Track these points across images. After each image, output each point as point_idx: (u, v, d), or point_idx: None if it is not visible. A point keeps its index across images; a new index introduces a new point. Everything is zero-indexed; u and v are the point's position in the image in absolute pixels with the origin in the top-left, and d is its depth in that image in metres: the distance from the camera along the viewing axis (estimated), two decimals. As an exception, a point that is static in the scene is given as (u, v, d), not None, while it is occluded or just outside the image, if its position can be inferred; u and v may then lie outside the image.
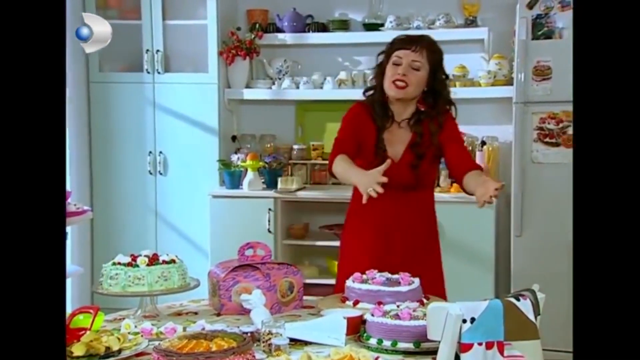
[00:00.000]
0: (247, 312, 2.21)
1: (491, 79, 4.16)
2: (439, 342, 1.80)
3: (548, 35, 3.85)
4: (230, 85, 4.55)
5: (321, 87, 4.45)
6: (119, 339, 1.96)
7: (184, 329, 2.10)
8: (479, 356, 1.79)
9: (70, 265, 3.68)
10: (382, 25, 4.38)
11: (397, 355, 1.93)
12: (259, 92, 4.53)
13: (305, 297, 2.48)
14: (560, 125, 3.85)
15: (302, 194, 4.28)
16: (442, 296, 2.55)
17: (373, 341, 1.99)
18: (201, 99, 4.48)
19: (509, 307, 1.86)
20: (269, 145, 4.57)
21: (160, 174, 4.55)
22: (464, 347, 1.78)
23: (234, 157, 4.42)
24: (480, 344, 1.79)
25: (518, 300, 1.89)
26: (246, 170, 4.30)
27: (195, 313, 2.40)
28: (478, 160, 3.98)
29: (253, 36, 4.45)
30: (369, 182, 2.33)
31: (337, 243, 4.18)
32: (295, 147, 4.53)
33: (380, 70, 2.63)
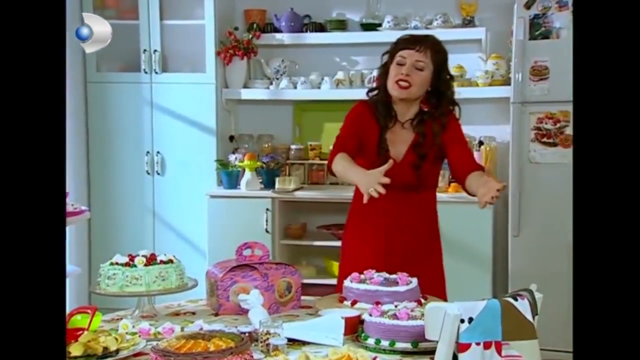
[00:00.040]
0: (245, 312, 2.21)
1: (489, 79, 4.17)
2: (437, 342, 1.80)
3: (545, 36, 3.85)
4: (228, 85, 4.55)
5: (319, 87, 4.46)
6: (116, 339, 1.96)
7: (182, 329, 2.10)
8: (476, 356, 1.79)
9: (67, 265, 3.67)
10: (380, 25, 4.38)
11: (395, 355, 1.94)
12: (256, 92, 4.53)
13: (302, 297, 2.47)
14: (558, 125, 3.86)
15: (300, 194, 4.28)
16: (443, 297, 2.55)
17: (371, 341, 1.99)
18: (199, 99, 4.48)
19: (507, 307, 1.86)
20: (266, 145, 4.57)
21: (158, 174, 4.54)
22: (461, 347, 1.78)
23: (232, 157, 4.42)
24: (478, 344, 1.79)
25: (516, 300, 1.89)
26: (244, 170, 4.30)
27: (193, 313, 2.39)
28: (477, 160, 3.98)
29: (251, 36, 4.45)
30: (369, 182, 2.33)
31: (335, 243, 4.23)
32: (293, 147, 4.53)
33: (384, 70, 2.61)
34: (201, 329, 2.04)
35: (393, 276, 2.30)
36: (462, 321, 1.79)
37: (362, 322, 2.09)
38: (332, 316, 2.13)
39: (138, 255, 2.36)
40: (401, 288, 2.23)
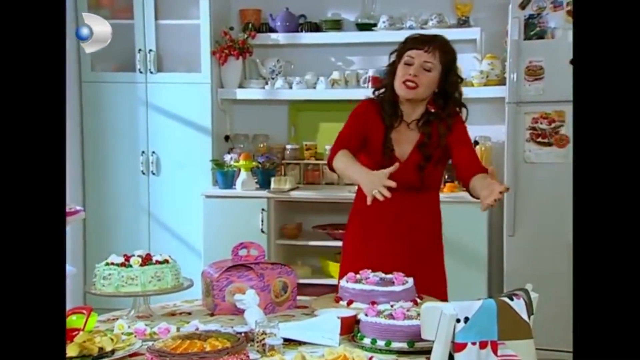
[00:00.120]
0: (240, 312, 2.21)
1: (484, 79, 4.17)
2: (433, 341, 1.81)
3: (540, 36, 3.86)
4: (223, 85, 4.55)
5: (314, 87, 4.45)
6: (112, 339, 1.95)
7: (178, 329, 2.09)
8: (472, 356, 1.79)
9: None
10: (375, 25, 4.38)
11: (391, 355, 1.94)
12: (252, 92, 4.53)
13: (298, 297, 2.47)
14: (553, 125, 3.86)
15: (295, 194, 4.28)
16: (444, 297, 2.54)
17: (367, 341, 1.99)
18: (194, 99, 4.47)
19: (503, 307, 1.86)
20: (262, 145, 4.56)
21: (153, 174, 4.54)
22: (457, 347, 1.79)
23: (227, 157, 4.41)
24: (474, 344, 1.80)
25: (511, 299, 1.89)
26: (239, 170, 4.30)
27: (189, 313, 2.39)
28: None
29: (246, 36, 4.44)
30: (373, 182, 2.31)
31: (330, 243, 4.24)
32: (289, 147, 4.53)
33: (391, 69, 2.59)
34: (197, 329, 2.04)
35: (389, 276, 2.30)
36: (458, 321, 1.79)
37: (358, 322, 2.09)
38: (328, 316, 2.13)
39: (133, 255, 2.35)
40: (397, 288, 2.23)
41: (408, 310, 2.01)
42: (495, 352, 1.82)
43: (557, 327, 3.67)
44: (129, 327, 2.11)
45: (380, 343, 1.96)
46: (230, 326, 2.11)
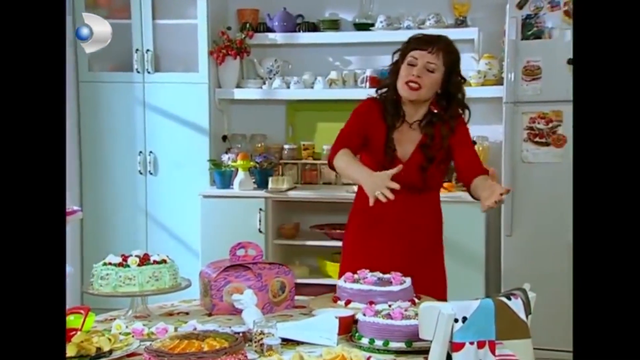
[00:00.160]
0: (238, 312, 2.21)
1: (481, 78, 4.18)
2: (431, 341, 1.81)
3: (538, 35, 3.87)
4: (221, 85, 4.55)
5: (312, 87, 4.45)
6: (110, 339, 1.95)
7: (176, 329, 2.09)
8: (470, 355, 1.79)
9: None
10: (373, 25, 4.39)
11: (389, 355, 1.94)
12: (249, 92, 4.53)
13: (296, 297, 2.47)
14: (550, 125, 3.87)
15: (293, 194, 4.28)
16: (444, 297, 2.54)
17: (365, 341, 1.99)
18: (191, 99, 4.47)
19: (501, 307, 1.86)
20: (259, 145, 4.56)
21: (151, 173, 4.53)
22: (455, 347, 1.79)
23: (225, 157, 4.41)
24: (471, 343, 1.80)
25: (509, 299, 1.89)
26: (237, 170, 4.30)
27: (187, 313, 2.39)
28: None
29: (243, 36, 4.44)
30: (376, 184, 2.30)
31: (328, 243, 4.24)
32: (286, 146, 4.53)
33: (394, 68, 2.57)
34: (195, 329, 2.04)
35: (386, 276, 2.30)
36: (456, 320, 1.79)
37: (356, 321, 2.09)
38: (326, 316, 2.13)
39: (131, 255, 2.35)
40: (395, 288, 2.23)
41: (406, 310, 2.01)
42: (493, 351, 1.82)
43: (555, 326, 3.67)
44: (126, 327, 2.11)
45: (378, 343, 1.96)
46: (228, 326, 2.11)
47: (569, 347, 3.88)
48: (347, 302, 2.25)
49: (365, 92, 4.13)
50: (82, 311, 2.00)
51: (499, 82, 4.09)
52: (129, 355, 1.95)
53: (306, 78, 4.46)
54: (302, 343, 2.00)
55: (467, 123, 2.62)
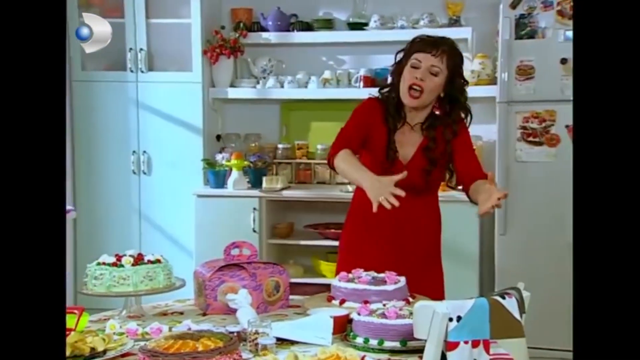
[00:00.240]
0: (233, 311, 2.21)
1: (475, 78, 4.18)
2: (426, 340, 1.81)
3: (531, 35, 3.87)
4: (215, 84, 4.54)
5: (306, 86, 4.45)
6: (104, 339, 1.95)
7: (170, 329, 2.09)
8: (465, 354, 1.80)
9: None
10: (367, 24, 4.39)
11: (383, 354, 1.94)
12: (243, 91, 4.53)
13: (290, 297, 2.47)
14: (543, 124, 3.88)
15: (287, 193, 4.28)
16: (442, 298, 2.53)
17: (359, 340, 1.99)
18: (185, 98, 4.46)
19: (495, 306, 1.87)
20: (253, 145, 4.56)
21: (144, 173, 4.53)
22: (450, 346, 1.79)
23: (219, 157, 4.41)
24: (466, 343, 1.80)
25: (504, 298, 1.90)
26: (231, 169, 4.29)
27: (181, 313, 2.39)
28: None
29: (237, 35, 4.44)
30: (380, 189, 2.28)
31: (322, 242, 4.24)
32: (280, 146, 4.52)
33: (398, 68, 2.55)
34: (189, 328, 2.03)
35: (381, 275, 2.30)
36: (451, 320, 1.80)
37: (350, 321, 2.09)
38: (321, 315, 2.13)
39: (125, 255, 2.35)
40: (389, 287, 2.24)
41: (400, 310, 2.01)
42: (487, 350, 1.82)
43: (550, 325, 3.68)
44: (120, 327, 2.10)
45: (373, 342, 1.96)
46: (222, 326, 2.10)
47: (563, 345, 3.91)
48: (342, 302, 2.26)
49: (359, 92, 4.19)
50: (76, 311, 1.99)
51: (492, 81, 4.10)
52: (123, 356, 1.95)
53: (300, 77, 4.46)
54: (297, 342, 2.00)
55: (468, 127, 2.62)
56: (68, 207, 3.17)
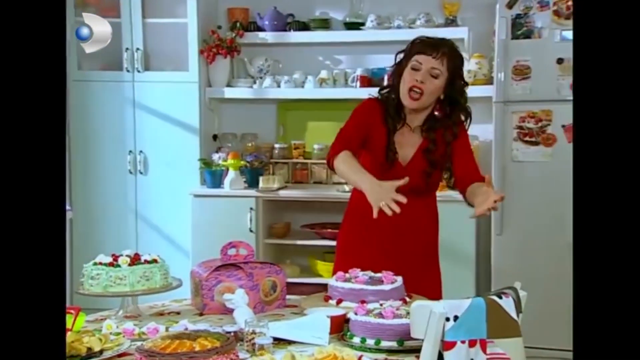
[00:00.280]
0: (230, 311, 2.21)
1: (471, 78, 4.18)
2: (423, 340, 1.81)
3: (527, 35, 3.88)
4: (211, 84, 4.54)
5: (302, 86, 4.45)
6: (100, 339, 1.94)
7: (167, 329, 2.09)
8: (462, 354, 1.80)
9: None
10: (363, 24, 4.39)
11: (380, 354, 1.94)
12: (240, 91, 4.52)
13: (287, 296, 2.47)
14: (540, 124, 3.89)
15: (284, 193, 4.28)
16: (439, 298, 2.53)
17: (356, 340, 1.99)
18: (182, 98, 4.46)
19: (492, 305, 1.87)
20: (250, 144, 4.56)
21: (141, 173, 4.52)
22: (447, 345, 1.79)
23: (215, 156, 4.41)
24: (463, 342, 1.80)
25: (500, 298, 1.90)
26: (227, 169, 4.29)
27: (178, 313, 2.38)
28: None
29: (234, 35, 4.43)
30: (380, 194, 2.26)
31: (319, 242, 4.24)
32: (277, 146, 4.52)
33: (398, 69, 2.54)
34: (186, 328, 2.03)
35: (378, 275, 2.30)
36: (448, 319, 1.80)
37: (347, 320, 2.09)
38: (318, 315, 2.13)
39: (122, 255, 2.34)
40: (386, 287, 2.24)
41: (397, 309, 2.01)
42: (484, 350, 1.82)
43: (546, 325, 3.69)
44: (117, 327, 2.10)
45: (370, 342, 1.96)
46: (219, 326, 2.10)
47: (560, 345, 3.92)
48: (339, 301, 2.26)
49: (356, 92, 4.19)
50: (72, 311, 1.99)
51: (488, 81, 4.11)
52: (119, 356, 1.94)
53: (297, 77, 4.46)
54: (294, 342, 2.00)
55: (467, 129, 2.62)
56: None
